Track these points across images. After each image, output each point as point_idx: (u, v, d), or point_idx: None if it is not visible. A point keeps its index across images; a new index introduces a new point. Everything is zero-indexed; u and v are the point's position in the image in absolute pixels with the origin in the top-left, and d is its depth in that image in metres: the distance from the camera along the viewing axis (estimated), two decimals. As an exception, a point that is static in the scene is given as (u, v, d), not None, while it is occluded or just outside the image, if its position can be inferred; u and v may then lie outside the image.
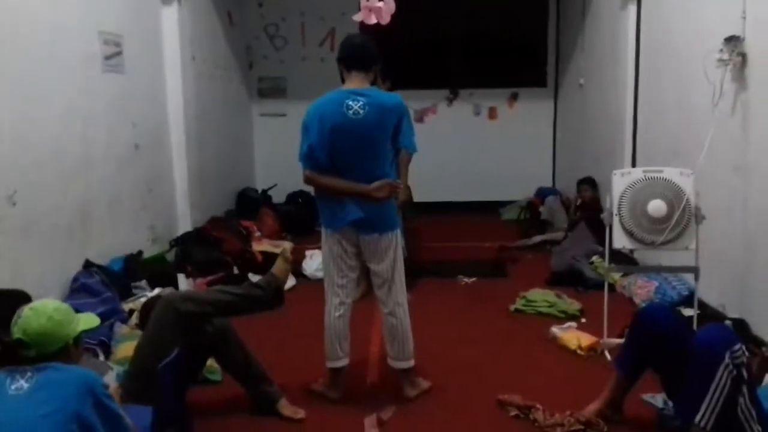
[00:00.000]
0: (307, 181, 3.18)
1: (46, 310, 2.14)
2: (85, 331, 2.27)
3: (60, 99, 4.08)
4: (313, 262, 5.43)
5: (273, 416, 3.09)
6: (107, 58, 4.67)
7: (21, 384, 1.98)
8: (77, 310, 3.61)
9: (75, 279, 4.04)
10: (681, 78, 4.66)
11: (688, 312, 3.92)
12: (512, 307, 4.61)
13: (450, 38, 8.62)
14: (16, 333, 2.09)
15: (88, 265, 4.21)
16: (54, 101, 4.01)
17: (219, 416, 3.12)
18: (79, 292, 3.96)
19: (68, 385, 1.99)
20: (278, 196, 7.99)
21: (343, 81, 3.19)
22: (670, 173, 3.69)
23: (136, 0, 5.20)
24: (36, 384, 1.98)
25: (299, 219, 7.16)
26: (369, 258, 3.24)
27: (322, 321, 3.29)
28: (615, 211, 3.71)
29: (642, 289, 4.64)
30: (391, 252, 3.22)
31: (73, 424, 1.93)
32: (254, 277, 4.66)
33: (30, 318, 2.10)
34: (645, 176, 3.71)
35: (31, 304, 2.18)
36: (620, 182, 3.73)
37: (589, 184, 6.37)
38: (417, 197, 6.15)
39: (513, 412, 3.08)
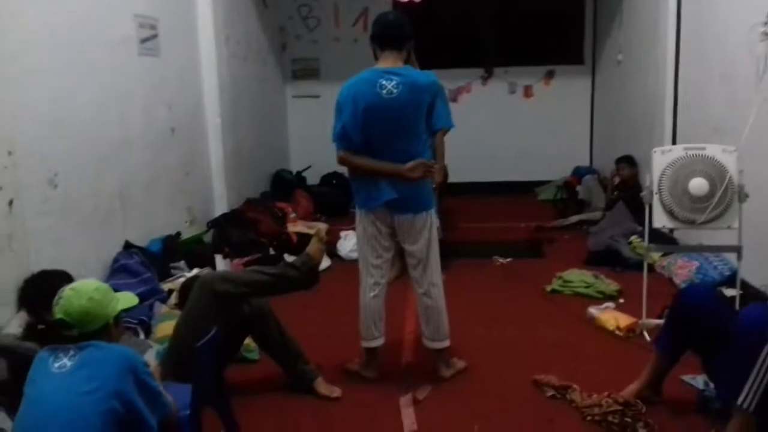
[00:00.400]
0: (341, 161, 3.17)
1: (86, 290, 2.18)
2: (124, 310, 2.31)
3: (97, 83, 4.13)
4: (348, 243, 5.45)
5: (309, 395, 3.13)
6: (143, 41, 4.71)
7: (64, 362, 2.03)
8: (117, 291, 3.71)
9: (115, 260, 4.12)
10: (724, 52, 4.52)
11: (730, 292, 3.83)
12: (548, 288, 4.57)
13: (484, 15, 8.48)
14: (58, 313, 2.13)
15: (127, 246, 4.28)
16: (91, 85, 4.06)
17: (256, 394, 3.16)
18: (119, 272, 4.04)
19: (110, 363, 2.03)
20: (312, 178, 8.02)
21: (376, 59, 3.17)
22: (713, 150, 3.59)
23: (170, -18, 5.23)
24: (79, 362, 2.02)
25: (333, 200, 7.18)
26: (403, 238, 3.23)
27: (357, 301, 3.30)
28: (655, 189, 3.63)
29: (682, 269, 4.55)
30: (425, 232, 3.20)
31: (115, 401, 1.97)
32: (289, 258, 4.69)
33: (71, 298, 2.14)
34: (686, 154, 3.62)
35: (72, 285, 2.22)
36: (661, 160, 3.65)
37: (627, 162, 6.24)
38: (452, 177, 6.13)
39: (549, 393, 3.06)
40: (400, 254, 3.46)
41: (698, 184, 3.53)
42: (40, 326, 2.96)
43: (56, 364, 2.02)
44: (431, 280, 3.24)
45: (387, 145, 3.08)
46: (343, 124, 3.09)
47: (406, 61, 3.21)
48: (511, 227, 6.45)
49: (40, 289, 3.12)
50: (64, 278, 3.17)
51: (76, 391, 1.96)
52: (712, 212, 3.53)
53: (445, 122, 3.73)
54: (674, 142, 5.40)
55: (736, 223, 3.55)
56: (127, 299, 2.37)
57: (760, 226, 3.80)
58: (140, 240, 4.48)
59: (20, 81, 3.38)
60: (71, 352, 2.05)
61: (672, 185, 3.58)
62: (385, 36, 3.11)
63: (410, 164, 3.06)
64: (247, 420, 2.90)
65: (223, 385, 2.93)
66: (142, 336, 3.50)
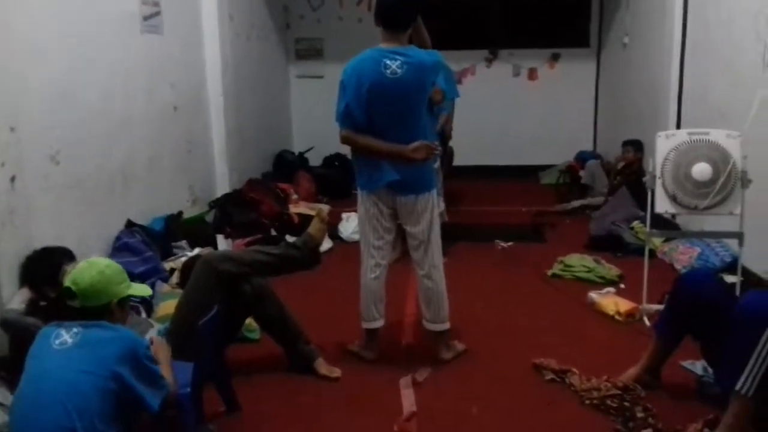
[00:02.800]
0: (344, 140, 3.15)
1: (100, 264, 2.20)
2: (134, 297, 2.32)
3: (102, 59, 4.10)
4: (350, 225, 5.45)
5: (309, 375, 3.14)
6: (146, 18, 4.68)
7: (65, 339, 2.04)
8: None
9: (117, 238, 4.12)
10: (730, 37, 4.49)
11: (730, 279, 3.83)
12: (550, 272, 4.57)
13: (490, -4, 8.41)
14: (67, 282, 2.15)
15: (129, 224, 4.28)
16: (96, 61, 4.04)
17: (257, 374, 3.18)
18: (121, 250, 4.04)
19: (111, 345, 2.05)
20: (315, 159, 8.00)
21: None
22: (717, 135, 3.58)
23: (173, -41, 5.17)
24: (81, 340, 2.03)
25: (335, 182, 7.17)
26: (405, 220, 3.23)
27: (358, 282, 3.31)
28: (658, 174, 3.62)
29: (684, 255, 4.55)
30: (427, 214, 3.20)
31: (112, 382, 1.99)
32: (291, 239, 4.69)
33: (83, 269, 2.16)
34: (690, 138, 3.61)
35: (89, 259, 2.25)
36: (664, 144, 3.64)
37: (633, 145, 6.21)
38: (455, 161, 6.12)
39: (549, 376, 3.07)
40: (402, 236, 3.46)
41: (701, 169, 3.52)
42: (42, 302, 2.97)
43: (57, 341, 2.04)
44: (432, 262, 3.24)
45: (390, 126, 3.07)
46: (347, 102, 3.07)
47: (414, 38, 3.19)
48: (513, 211, 6.44)
49: (42, 266, 3.13)
50: (66, 255, 3.19)
51: (74, 369, 1.98)
52: (715, 198, 3.53)
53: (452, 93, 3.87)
54: (678, 127, 5.37)
55: (738, 209, 3.55)
56: (141, 288, 2.41)
57: (762, 212, 3.79)
58: (142, 218, 4.48)
59: (23, 57, 3.36)
60: (74, 330, 2.06)
61: (675, 170, 3.57)
62: (389, 16, 3.07)
63: (414, 145, 3.05)
64: (248, 399, 2.92)
65: (224, 364, 2.95)
66: (143, 315, 3.51)
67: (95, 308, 2.15)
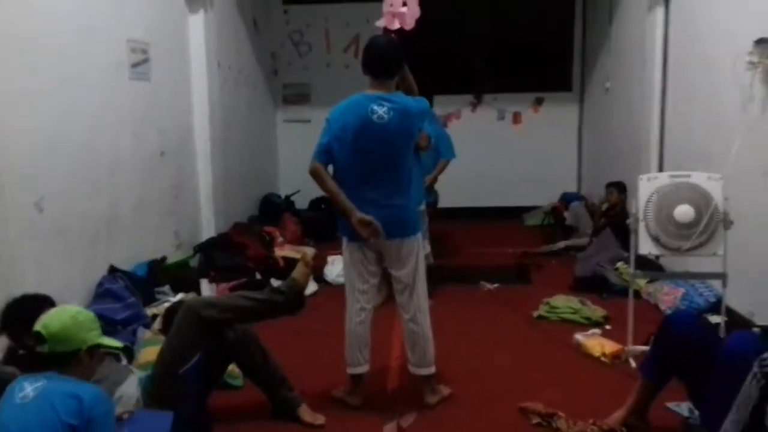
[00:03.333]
0: (313, 172, 3.15)
1: (71, 310, 2.18)
2: (104, 347, 2.29)
3: (88, 107, 4.13)
4: (335, 268, 5.44)
5: (293, 422, 3.09)
6: (134, 65, 4.73)
7: (27, 392, 2.02)
8: (101, 316, 3.67)
9: (100, 284, 4.08)
10: (710, 81, 4.59)
11: (715, 319, 3.84)
12: (536, 314, 4.57)
13: (474, 42, 8.58)
14: (37, 326, 2.12)
15: (112, 270, 4.25)
16: (82, 109, 4.06)
17: (240, 421, 3.13)
18: (103, 297, 4.00)
19: (69, 400, 2.00)
20: (301, 203, 8.02)
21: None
22: (698, 178, 3.63)
23: (163, 8, 5.25)
24: (41, 393, 2.01)
25: (322, 225, 7.17)
26: (390, 263, 3.23)
27: (343, 326, 3.29)
28: (641, 216, 3.65)
29: (668, 296, 4.57)
30: (413, 257, 3.20)
31: None
32: (276, 283, 4.66)
33: (54, 314, 2.14)
34: (672, 181, 3.65)
35: (60, 306, 2.22)
36: (647, 187, 3.68)
37: (616, 187, 6.29)
38: (440, 203, 6.15)
39: (535, 420, 3.04)
40: (387, 279, 3.45)
41: (684, 211, 3.56)
42: (21, 351, 2.92)
43: (20, 394, 2.02)
44: (418, 305, 3.23)
45: (377, 169, 3.10)
46: (329, 139, 3.10)
47: (400, 84, 3.24)
48: (499, 253, 6.46)
49: (22, 314, 3.07)
50: (46, 302, 3.14)
51: (30, 423, 1.95)
52: (698, 239, 3.55)
53: (448, 154, 4.05)
54: (661, 169, 5.45)
55: (721, 250, 3.58)
56: (112, 341, 2.37)
57: (744, 253, 3.83)
58: (126, 264, 4.45)
59: (9, 103, 3.38)
60: (38, 383, 2.04)
61: (658, 212, 3.61)
62: (376, 64, 3.13)
63: (364, 218, 3.05)
64: (230, 447, 2.87)
65: (206, 412, 2.90)
66: (124, 362, 3.46)
67: (63, 354, 2.12)
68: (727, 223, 3.54)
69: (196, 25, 5.74)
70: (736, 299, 3.97)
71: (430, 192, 5.39)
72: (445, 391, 3.34)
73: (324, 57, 8.55)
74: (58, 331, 2.10)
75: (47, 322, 2.11)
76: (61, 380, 2.05)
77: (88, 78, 4.13)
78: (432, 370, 3.26)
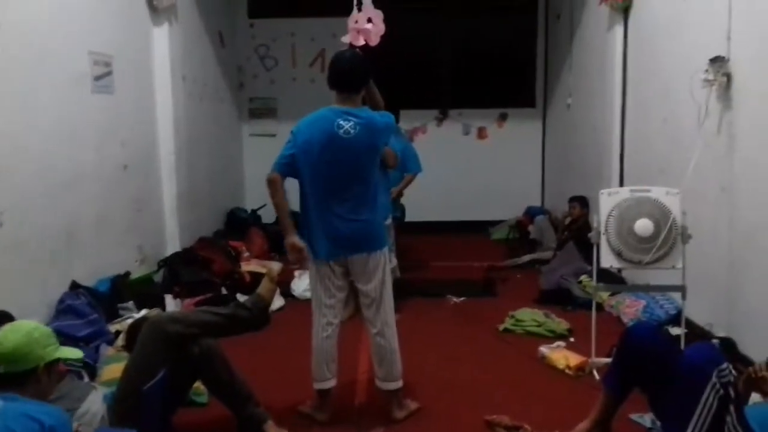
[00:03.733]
0: (270, 181, 3.16)
1: (27, 326, 2.11)
2: (65, 361, 2.22)
3: (48, 119, 4.07)
4: (302, 283, 5.41)
5: (260, 438, 3.06)
6: (97, 78, 4.67)
7: None
8: (61, 333, 3.59)
9: (61, 300, 4.00)
10: (667, 98, 4.71)
11: (675, 331, 3.92)
12: (501, 327, 4.60)
13: (439, 59, 8.68)
14: None
15: (74, 286, 4.17)
16: (42, 121, 4.00)
17: (205, 438, 3.08)
18: (65, 313, 3.92)
19: (29, 422, 1.90)
20: (267, 216, 7.95)
21: None
22: (657, 192, 3.71)
23: (127, 20, 5.20)
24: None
25: (288, 239, 7.13)
26: (357, 278, 3.23)
27: (309, 341, 3.27)
28: (602, 230, 3.72)
29: (630, 308, 4.65)
30: (379, 271, 3.21)
31: None
32: (242, 298, 4.63)
33: (7, 332, 2.07)
34: (632, 195, 3.73)
35: (15, 322, 2.16)
36: (607, 201, 3.75)
37: (579, 201, 6.40)
38: (407, 216, 6.17)
39: (501, 433, 3.06)
40: (354, 294, 3.45)
41: (643, 225, 3.63)
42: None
43: None
44: (384, 319, 3.24)
45: (342, 182, 3.10)
46: (293, 153, 3.11)
47: (366, 99, 3.26)
48: (465, 266, 6.50)
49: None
50: (5, 318, 3.08)
51: None
52: (657, 252, 3.63)
53: (416, 168, 4.13)
54: (622, 183, 5.56)
55: (680, 263, 3.66)
56: (71, 351, 2.30)
57: (703, 266, 3.92)
58: (88, 279, 4.37)
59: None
60: None
61: (618, 226, 3.68)
62: (341, 79, 3.14)
63: (294, 242, 3.14)
64: (195, 465, 2.83)
65: (171, 430, 2.86)
66: (86, 379, 3.39)
67: (20, 374, 2.05)
68: (686, 237, 3.63)
69: (161, 37, 5.69)
70: (696, 311, 4.06)
71: (396, 206, 5.42)
72: (413, 405, 3.34)
73: (290, 71, 8.55)
74: (13, 350, 2.03)
75: (1, 341, 2.04)
76: (20, 402, 1.98)
77: (49, 90, 4.08)
78: (399, 384, 3.27)
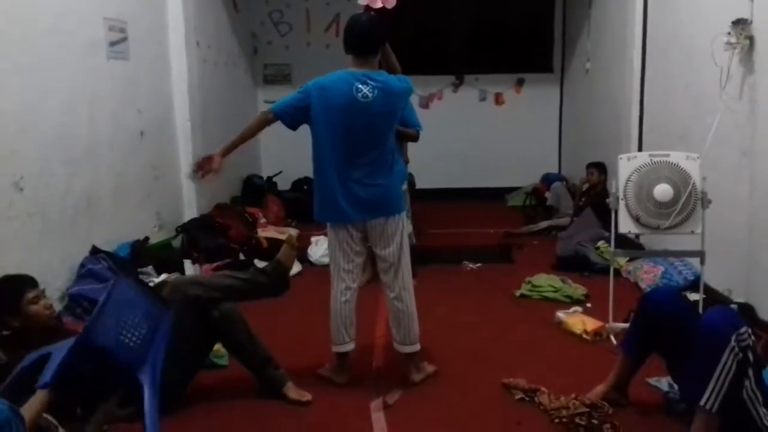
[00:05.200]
0: (261, 119, 3.23)
1: None
2: None
3: (65, 86, 4.08)
4: (319, 249, 5.45)
5: (279, 400, 3.10)
6: (112, 44, 4.66)
7: None
8: (84, 296, 3.65)
9: (82, 265, 4.06)
10: (688, 62, 4.64)
11: (694, 297, 3.91)
12: (518, 293, 4.61)
13: (456, 23, 8.57)
14: None
15: (95, 251, 4.23)
16: (59, 88, 4.01)
17: (226, 400, 3.14)
18: (85, 277, 3.98)
19: None
20: (283, 183, 8.00)
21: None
22: (677, 157, 3.67)
23: (140, -14, 5.18)
24: None
25: (304, 206, 7.04)
26: (375, 242, 3.24)
27: (328, 306, 3.30)
28: (621, 195, 3.70)
29: (648, 274, 4.64)
30: (397, 236, 3.22)
31: None
32: (260, 263, 4.66)
33: None
34: (651, 160, 3.70)
35: None
36: (626, 166, 3.72)
37: (597, 167, 6.34)
38: (423, 184, 6.17)
39: (518, 396, 3.09)
40: (371, 259, 3.47)
41: (663, 190, 3.60)
42: (5, 332, 2.90)
43: None
44: (402, 284, 3.26)
45: (358, 144, 3.09)
46: (301, 107, 3.09)
47: (382, 63, 3.23)
48: (481, 233, 6.50)
49: (4, 294, 3.06)
50: (29, 282, 3.12)
51: None
52: (676, 218, 3.61)
53: (417, 123, 4.36)
54: (640, 149, 5.51)
55: (699, 229, 3.64)
56: None
57: (722, 231, 3.90)
58: (108, 245, 4.43)
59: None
60: None
61: (637, 191, 3.65)
62: (357, 42, 3.11)
63: (216, 157, 3.24)
64: (217, 426, 2.89)
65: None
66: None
67: None
68: (705, 202, 3.60)
69: (175, 3, 5.65)
70: (714, 277, 4.05)
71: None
72: (430, 368, 3.38)
73: (304, 37, 8.48)
74: None
75: None
76: None
77: (64, 57, 4.08)
78: (417, 347, 3.29)
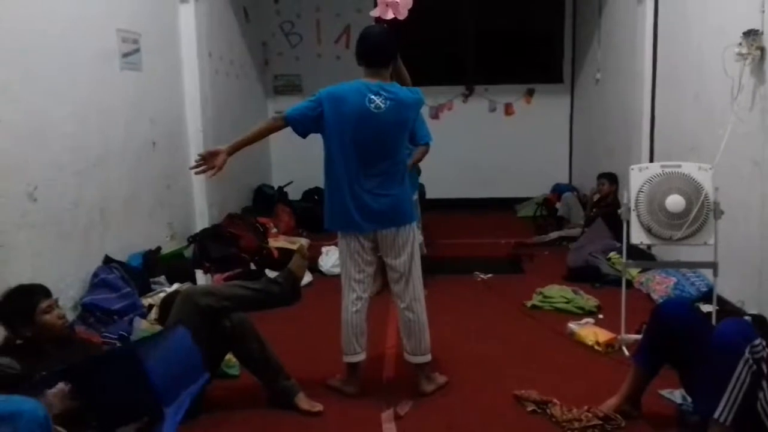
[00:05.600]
0: (272, 124, 3.28)
1: None
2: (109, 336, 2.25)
3: (77, 96, 4.12)
4: (329, 259, 5.45)
5: (290, 410, 3.10)
6: (125, 55, 4.71)
7: None
8: (96, 305, 3.67)
9: (95, 274, 4.09)
10: (699, 72, 4.62)
11: (706, 308, 3.88)
12: (529, 303, 4.60)
13: (466, 34, 8.60)
14: None
15: (107, 260, 4.25)
16: (71, 98, 4.05)
17: (237, 410, 3.14)
18: (98, 287, 4.01)
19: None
20: (294, 193, 8.02)
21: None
22: (689, 168, 3.66)
23: (153, -3, 5.23)
24: None
25: (315, 216, 7.11)
26: (386, 252, 3.24)
27: (339, 316, 3.30)
28: (632, 206, 3.69)
29: (660, 285, 4.61)
30: (408, 246, 3.22)
31: None
32: (271, 273, 4.67)
33: None
34: (663, 171, 3.68)
35: None
36: (638, 177, 3.71)
37: (608, 178, 6.33)
38: (433, 194, 6.17)
39: (530, 407, 3.07)
40: (382, 269, 3.47)
41: (675, 201, 3.59)
42: (18, 341, 2.92)
43: None
44: (413, 294, 3.25)
45: (370, 154, 3.09)
46: (313, 117, 3.09)
47: (393, 75, 3.24)
48: (492, 243, 6.49)
49: (17, 304, 3.08)
50: (42, 292, 3.14)
51: None
52: (689, 229, 3.59)
53: (427, 136, 4.35)
54: (651, 160, 5.49)
55: (712, 240, 3.61)
56: None
57: (734, 242, 3.88)
58: (120, 254, 4.45)
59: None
60: None
61: (649, 202, 3.64)
62: (370, 54, 3.13)
63: (219, 150, 3.27)
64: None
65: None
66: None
67: None
68: (718, 213, 3.58)
69: (187, 14, 5.72)
70: (727, 288, 4.02)
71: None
72: (441, 379, 3.37)
73: (315, 48, 8.53)
74: None
75: None
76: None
77: (78, 67, 4.12)
78: (428, 358, 3.29)
